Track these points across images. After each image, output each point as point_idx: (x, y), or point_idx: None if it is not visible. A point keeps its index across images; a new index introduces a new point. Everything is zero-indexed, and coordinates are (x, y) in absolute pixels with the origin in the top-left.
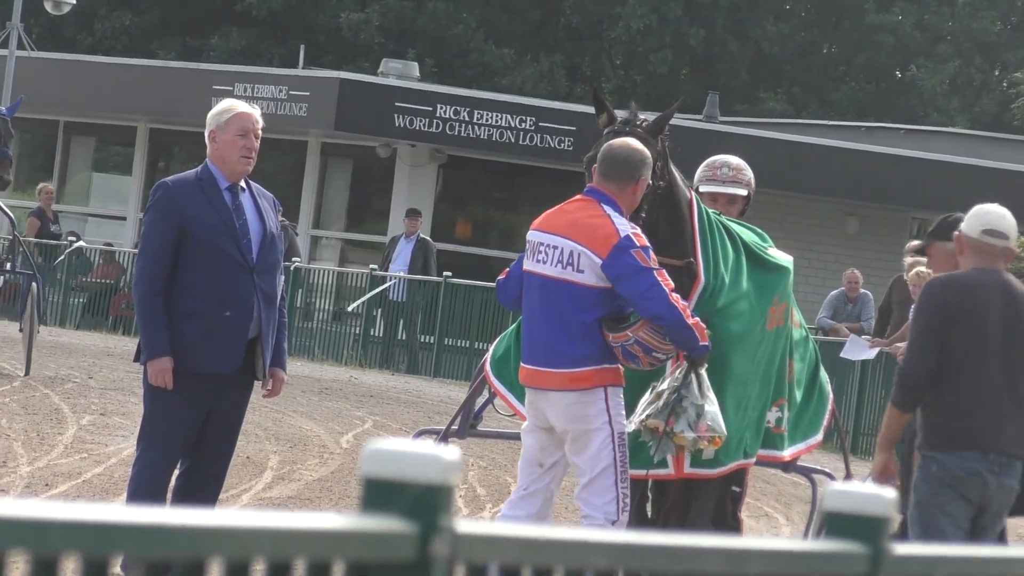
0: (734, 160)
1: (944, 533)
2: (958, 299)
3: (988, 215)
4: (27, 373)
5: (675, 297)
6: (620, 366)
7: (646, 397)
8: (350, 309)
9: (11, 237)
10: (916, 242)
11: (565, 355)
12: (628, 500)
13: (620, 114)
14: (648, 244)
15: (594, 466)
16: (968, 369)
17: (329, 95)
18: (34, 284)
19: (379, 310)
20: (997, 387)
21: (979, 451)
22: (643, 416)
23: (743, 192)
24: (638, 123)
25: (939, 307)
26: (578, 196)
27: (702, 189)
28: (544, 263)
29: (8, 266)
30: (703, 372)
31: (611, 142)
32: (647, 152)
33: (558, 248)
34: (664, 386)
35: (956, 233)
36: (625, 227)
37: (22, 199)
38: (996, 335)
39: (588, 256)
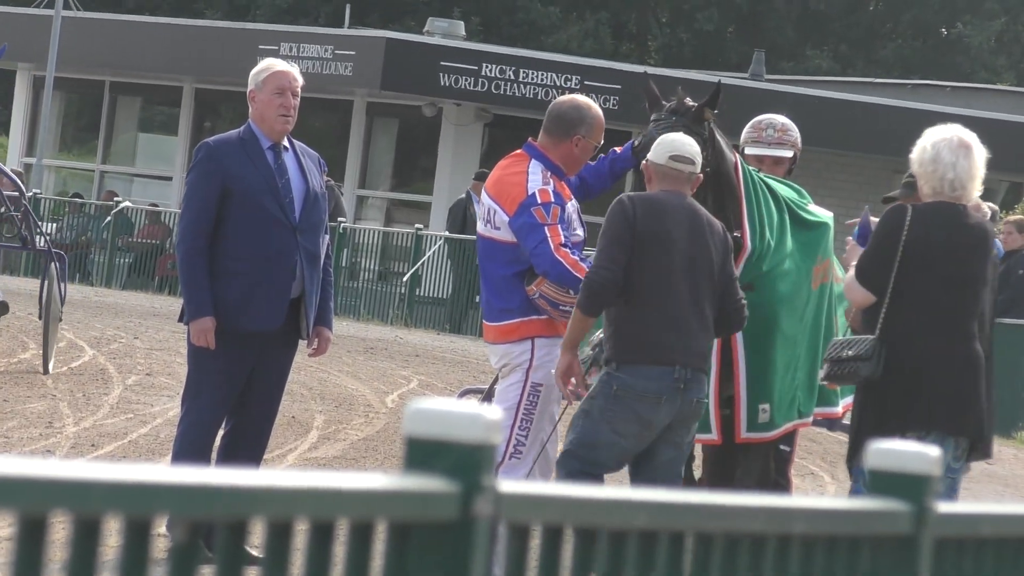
0: (779, 120)
1: (602, 448)
2: (647, 216)
3: (674, 142)
4: (46, 371)
5: (563, 252)
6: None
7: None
8: (405, 275)
9: (22, 208)
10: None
11: (494, 309)
12: (522, 448)
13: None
14: (553, 200)
15: (499, 403)
16: (656, 286)
17: (375, 54)
18: (54, 264)
19: (424, 270)
20: (684, 305)
21: (665, 365)
22: None
23: (789, 154)
24: (684, 111)
25: (630, 221)
26: (517, 151)
27: (748, 151)
28: (479, 220)
29: (25, 243)
30: None
31: (559, 97)
32: (588, 111)
33: (485, 205)
34: (595, 338)
35: (644, 163)
36: (536, 183)
37: (68, 159)
38: (682, 255)
39: (500, 214)
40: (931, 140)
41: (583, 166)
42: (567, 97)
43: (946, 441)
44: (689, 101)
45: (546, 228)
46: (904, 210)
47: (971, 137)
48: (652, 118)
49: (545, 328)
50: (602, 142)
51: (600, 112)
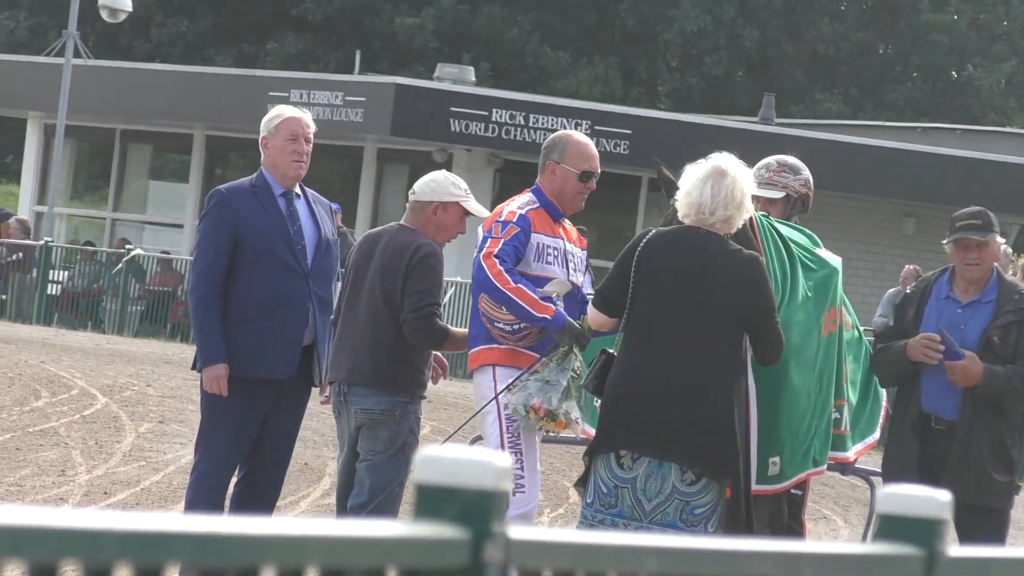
0: (777, 162)
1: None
2: (359, 249)
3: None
4: None
5: (491, 261)
6: (516, 346)
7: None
8: None
9: None
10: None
11: (469, 338)
12: (521, 481)
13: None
14: (515, 221)
15: (487, 444)
16: (343, 312)
17: (385, 100)
18: None
19: None
20: (357, 326)
21: (333, 383)
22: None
23: (778, 195)
24: None
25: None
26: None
27: None
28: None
29: None
30: (572, 349)
31: None
32: (563, 138)
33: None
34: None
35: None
36: (513, 206)
37: (79, 207)
38: (364, 282)
39: (480, 238)
40: (689, 169)
41: (579, 199)
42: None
43: (664, 464)
44: None
45: (489, 239)
46: (646, 233)
47: (730, 164)
48: (673, 201)
49: (504, 357)
50: (589, 170)
51: (582, 140)
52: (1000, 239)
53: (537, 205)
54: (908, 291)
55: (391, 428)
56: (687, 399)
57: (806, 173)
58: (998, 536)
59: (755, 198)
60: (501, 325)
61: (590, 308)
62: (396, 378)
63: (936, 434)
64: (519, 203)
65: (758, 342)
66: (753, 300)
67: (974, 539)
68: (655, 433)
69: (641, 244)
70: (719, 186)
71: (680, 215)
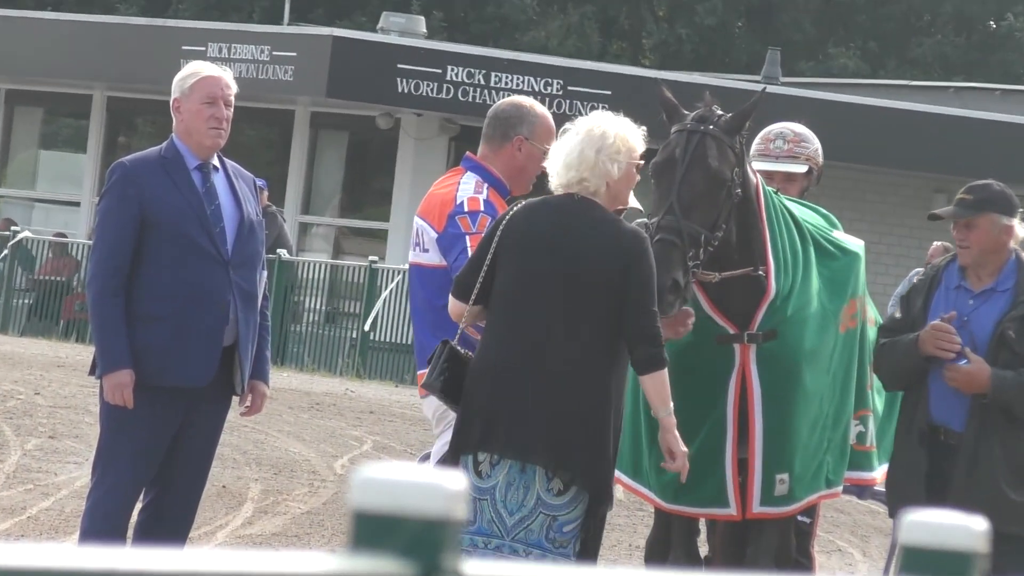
0: (792, 130)
1: None
2: None
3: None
4: None
5: None
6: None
7: None
8: None
9: None
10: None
11: (427, 350)
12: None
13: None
14: (483, 209)
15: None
16: None
17: (320, 55)
18: None
19: (380, 310)
20: None
21: None
22: None
23: (802, 169)
24: (715, 119)
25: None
26: (455, 167)
27: (755, 166)
28: (412, 249)
29: None
30: None
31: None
32: (530, 110)
33: (416, 229)
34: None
35: None
36: (467, 191)
37: None
38: None
39: (428, 231)
40: (565, 128)
41: (532, 180)
42: (507, 99)
43: (526, 468)
44: (718, 109)
45: (468, 237)
46: (513, 206)
47: (609, 121)
48: (674, 129)
49: None
50: (550, 147)
51: (545, 112)
52: (1010, 220)
53: (487, 185)
54: (916, 280)
55: None
56: (551, 389)
57: (817, 141)
58: (1021, 567)
59: (771, 175)
60: None
61: (451, 299)
62: None
63: (944, 448)
64: (471, 188)
65: (630, 329)
66: (630, 277)
67: (996, 571)
68: (513, 430)
69: (505, 218)
70: (599, 144)
71: (553, 184)
